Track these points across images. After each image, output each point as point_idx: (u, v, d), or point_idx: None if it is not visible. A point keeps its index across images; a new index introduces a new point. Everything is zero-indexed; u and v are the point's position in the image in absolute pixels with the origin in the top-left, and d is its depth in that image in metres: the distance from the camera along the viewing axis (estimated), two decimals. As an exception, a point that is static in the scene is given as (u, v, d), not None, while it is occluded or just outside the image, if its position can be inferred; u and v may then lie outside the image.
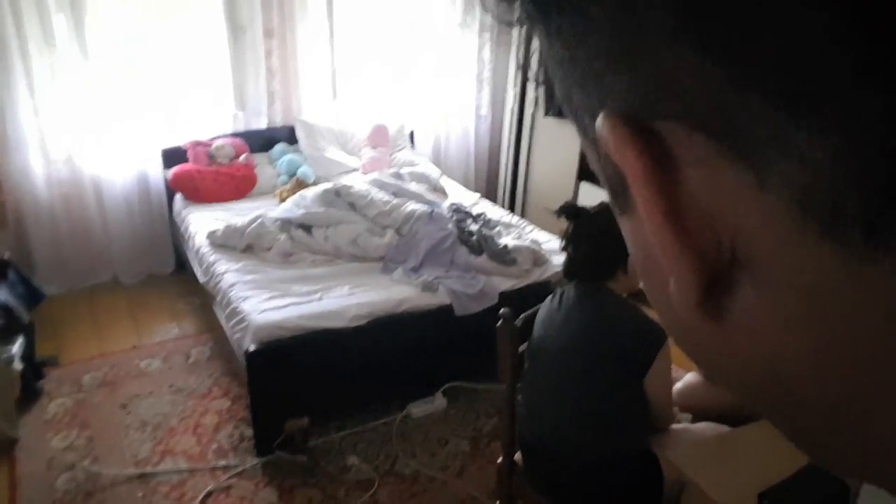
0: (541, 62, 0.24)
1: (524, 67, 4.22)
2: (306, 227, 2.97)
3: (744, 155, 0.17)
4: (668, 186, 0.20)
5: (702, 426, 1.71)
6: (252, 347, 2.31)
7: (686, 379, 1.99)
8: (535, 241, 2.98)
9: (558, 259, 2.87)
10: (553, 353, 1.68)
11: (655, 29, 0.18)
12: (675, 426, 1.74)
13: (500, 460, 1.86)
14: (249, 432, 2.50)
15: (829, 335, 0.18)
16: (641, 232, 0.23)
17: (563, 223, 1.74)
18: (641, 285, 0.27)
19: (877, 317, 0.16)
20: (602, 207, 1.69)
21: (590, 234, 1.65)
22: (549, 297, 1.77)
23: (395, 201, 3.08)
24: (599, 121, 0.21)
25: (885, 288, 0.16)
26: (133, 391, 2.77)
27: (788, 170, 0.16)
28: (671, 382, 1.68)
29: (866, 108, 0.15)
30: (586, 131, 0.24)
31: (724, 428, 1.67)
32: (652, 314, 1.68)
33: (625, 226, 0.25)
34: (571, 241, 1.68)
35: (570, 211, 1.70)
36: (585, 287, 1.67)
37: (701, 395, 1.87)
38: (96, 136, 3.48)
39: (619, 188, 0.23)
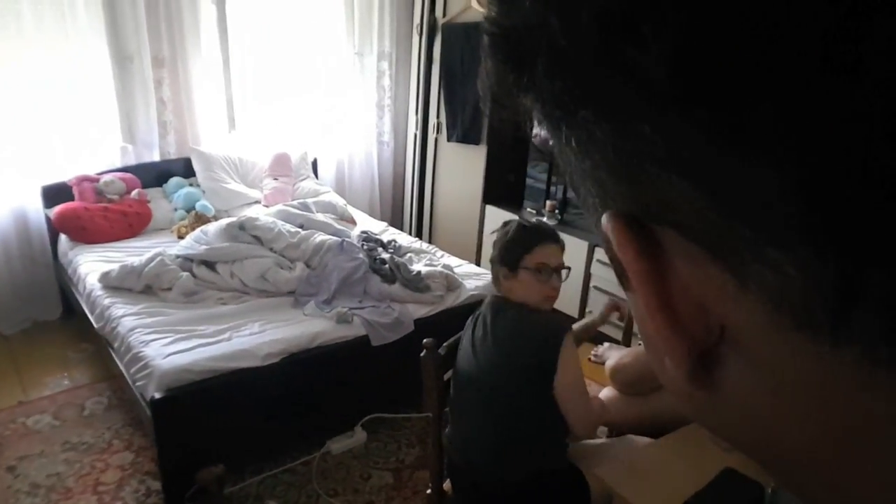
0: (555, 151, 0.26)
1: (426, 94, 4.28)
2: (210, 264, 2.85)
3: (727, 262, 0.20)
4: (662, 282, 0.23)
5: (623, 440, 1.77)
6: (157, 395, 2.17)
7: (603, 394, 2.05)
8: (447, 266, 3.00)
9: (471, 283, 2.91)
10: (473, 377, 1.69)
11: (648, 155, 0.20)
12: (596, 441, 1.79)
13: (428, 491, 1.84)
14: (157, 486, 2.34)
15: (807, 408, 0.20)
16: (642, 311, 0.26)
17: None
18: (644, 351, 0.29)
19: (847, 394, 0.19)
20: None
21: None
22: (470, 319, 1.77)
23: (304, 233, 3.02)
24: (604, 219, 0.24)
25: (852, 371, 0.18)
26: (21, 452, 2.53)
27: (764, 277, 0.19)
28: (580, 379, 1.63)
29: (820, 241, 0.17)
30: (594, 218, 0.26)
31: (644, 440, 1.73)
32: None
33: (630, 300, 0.27)
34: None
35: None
36: (497, 304, 1.69)
37: (618, 409, 1.94)
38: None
39: (621, 270, 0.26)
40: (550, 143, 0.26)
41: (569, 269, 1.74)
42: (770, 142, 0.17)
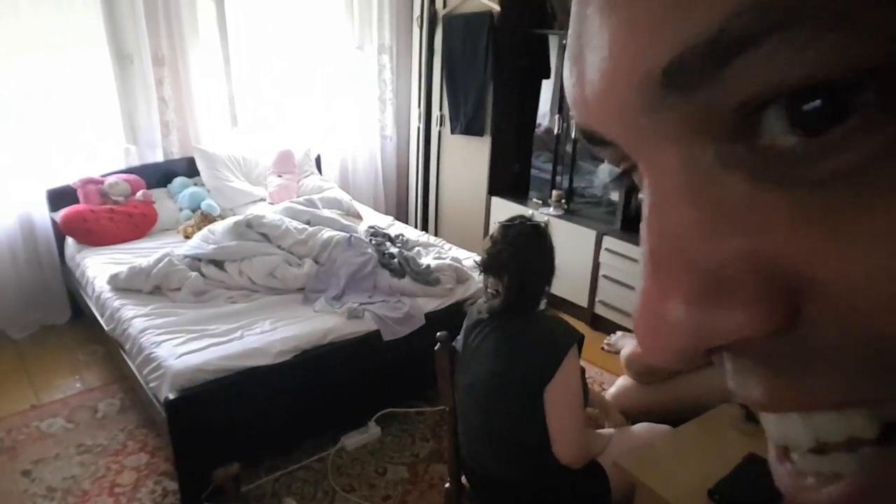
0: None
1: (428, 87, 4.26)
2: (218, 263, 2.84)
3: None
4: None
5: (641, 428, 1.76)
6: (171, 395, 2.17)
7: (618, 383, 2.05)
8: (455, 259, 2.98)
9: (480, 276, 2.89)
10: (473, 380, 1.66)
11: None
12: (612, 430, 1.77)
13: (447, 485, 1.83)
14: (174, 486, 2.34)
15: None
16: None
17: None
18: None
19: None
20: (519, 252, 1.58)
21: (514, 283, 1.58)
22: (466, 322, 1.73)
23: (311, 229, 3.01)
24: None
25: None
26: (35, 455, 2.53)
27: None
28: (576, 394, 1.55)
29: None
30: None
31: (663, 428, 1.72)
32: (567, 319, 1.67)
33: None
34: (497, 291, 1.61)
35: (493, 266, 1.62)
36: (505, 310, 1.64)
37: (635, 398, 1.93)
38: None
39: None
40: None
41: None
42: None
